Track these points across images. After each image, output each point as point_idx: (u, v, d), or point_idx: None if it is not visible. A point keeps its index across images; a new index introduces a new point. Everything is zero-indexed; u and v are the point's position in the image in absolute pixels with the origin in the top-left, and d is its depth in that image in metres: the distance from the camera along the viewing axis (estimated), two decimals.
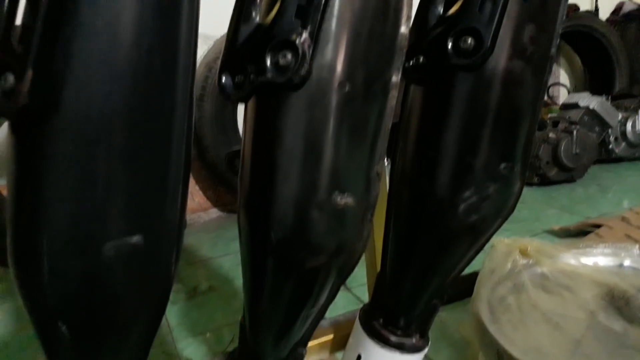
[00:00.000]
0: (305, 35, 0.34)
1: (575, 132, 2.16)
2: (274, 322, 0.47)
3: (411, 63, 0.45)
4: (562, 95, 2.97)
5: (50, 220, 0.30)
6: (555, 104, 2.80)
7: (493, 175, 0.47)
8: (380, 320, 0.59)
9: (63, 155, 0.29)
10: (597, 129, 2.30)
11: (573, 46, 2.99)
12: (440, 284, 0.55)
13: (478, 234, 0.51)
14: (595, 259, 1.01)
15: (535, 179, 2.21)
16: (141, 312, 0.36)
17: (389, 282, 0.58)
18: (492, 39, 0.41)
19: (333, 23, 0.35)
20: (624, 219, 1.46)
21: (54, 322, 0.33)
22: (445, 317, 1.14)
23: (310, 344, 0.61)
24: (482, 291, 0.89)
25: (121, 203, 0.31)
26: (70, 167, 0.29)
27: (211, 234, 2.02)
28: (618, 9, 2.96)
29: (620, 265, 1.00)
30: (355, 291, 1.33)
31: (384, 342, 0.58)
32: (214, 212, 2.28)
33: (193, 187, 2.17)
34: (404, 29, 0.39)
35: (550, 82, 2.92)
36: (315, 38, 0.34)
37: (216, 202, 2.28)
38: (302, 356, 0.51)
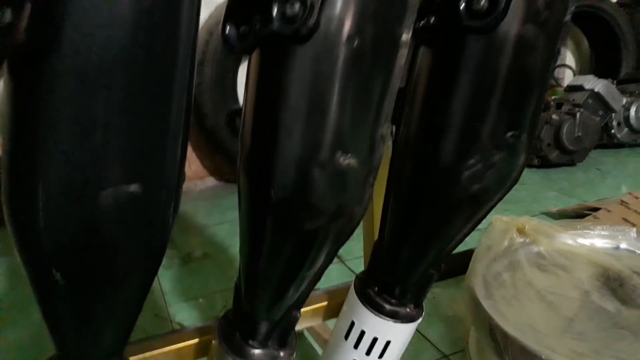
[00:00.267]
0: None
1: (578, 115, 2.15)
2: (269, 284, 0.46)
3: (422, 23, 0.44)
4: (567, 78, 2.94)
5: (46, 164, 0.30)
6: (560, 85, 2.78)
7: (499, 143, 0.46)
8: (375, 289, 0.59)
9: (61, 98, 0.28)
10: (600, 112, 2.29)
11: (581, 27, 2.96)
12: (438, 254, 0.55)
13: (480, 204, 0.50)
14: (592, 240, 1.01)
15: (536, 161, 2.21)
16: (137, 262, 0.36)
17: (386, 250, 0.57)
18: (506, 0, 0.40)
19: None
20: (622, 202, 1.46)
21: (49, 270, 0.32)
22: (438, 294, 1.15)
23: (304, 310, 0.61)
24: (478, 267, 0.90)
25: (119, 150, 0.31)
26: (68, 110, 0.28)
27: (207, 202, 2.02)
28: None
29: (617, 248, 1.00)
30: (350, 264, 1.34)
31: (378, 310, 0.58)
32: (211, 181, 2.28)
33: (190, 155, 2.16)
34: None
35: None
36: None
37: (213, 171, 2.27)
38: (296, 319, 0.51)
